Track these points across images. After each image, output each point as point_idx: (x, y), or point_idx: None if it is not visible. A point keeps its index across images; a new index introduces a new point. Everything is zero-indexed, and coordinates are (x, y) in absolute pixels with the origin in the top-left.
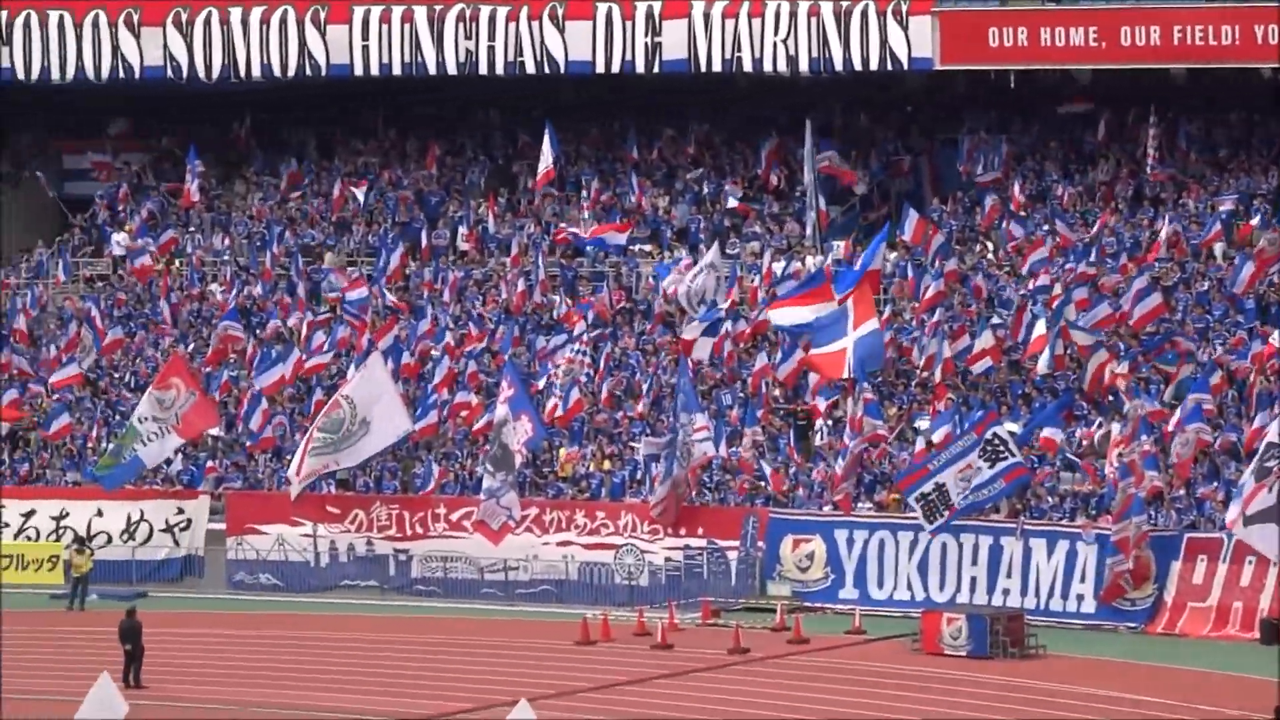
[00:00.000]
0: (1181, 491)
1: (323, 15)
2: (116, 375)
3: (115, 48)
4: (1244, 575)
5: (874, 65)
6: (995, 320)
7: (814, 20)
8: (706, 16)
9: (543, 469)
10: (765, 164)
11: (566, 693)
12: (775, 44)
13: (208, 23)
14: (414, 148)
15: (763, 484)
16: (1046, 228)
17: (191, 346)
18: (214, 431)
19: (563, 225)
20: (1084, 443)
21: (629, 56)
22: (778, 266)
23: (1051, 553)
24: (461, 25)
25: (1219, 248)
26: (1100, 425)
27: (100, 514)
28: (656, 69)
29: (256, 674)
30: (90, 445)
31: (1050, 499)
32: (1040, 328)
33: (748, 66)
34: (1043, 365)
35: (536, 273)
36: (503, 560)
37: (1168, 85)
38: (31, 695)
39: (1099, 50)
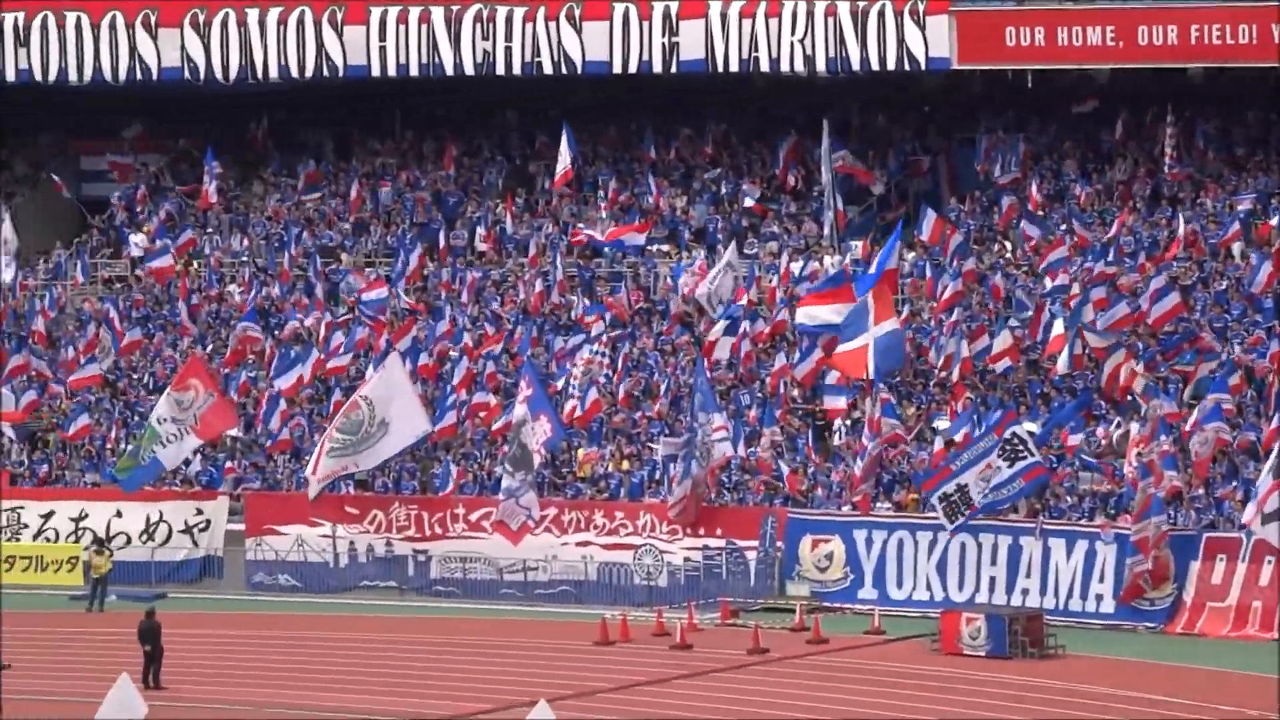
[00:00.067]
0: (1200, 491)
1: (340, 16)
2: (135, 376)
3: (133, 49)
4: (1263, 575)
5: (891, 65)
6: (1013, 320)
7: (831, 20)
8: (724, 16)
9: (561, 469)
10: (783, 164)
11: (585, 693)
12: (792, 44)
13: (225, 24)
14: (431, 148)
15: (780, 484)
16: (1064, 227)
17: (210, 347)
18: (233, 432)
19: (580, 226)
20: (1102, 443)
21: (646, 57)
22: (795, 266)
23: (1070, 552)
24: (479, 26)
25: (1237, 247)
26: (1119, 425)
27: (119, 515)
28: (674, 69)
29: (275, 675)
30: (109, 446)
31: (1069, 499)
32: (1058, 327)
33: (765, 66)
34: (1061, 365)
35: (554, 273)
36: (522, 561)
37: (1185, 84)
38: (51, 696)
39: (1116, 50)
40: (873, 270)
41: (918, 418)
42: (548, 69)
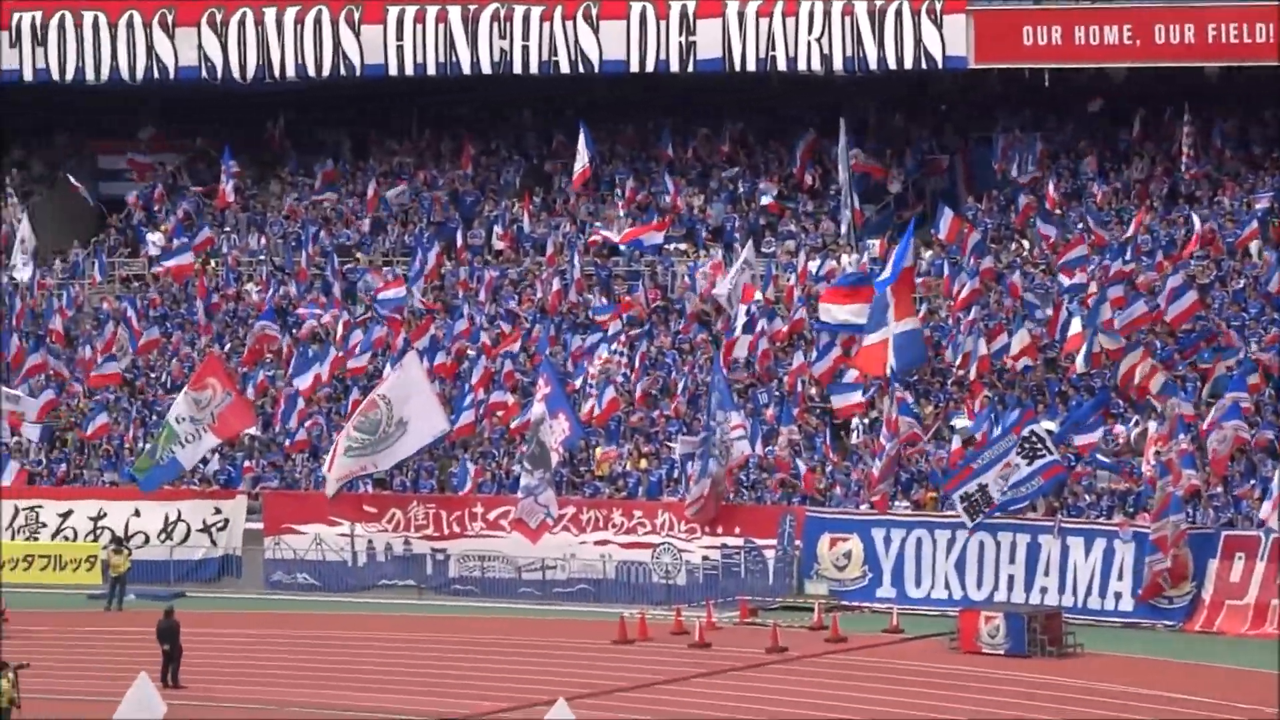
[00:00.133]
0: (1219, 489)
1: (357, 15)
2: (153, 375)
3: (150, 48)
4: None
5: (908, 64)
6: (1031, 319)
7: (848, 19)
8: (741, 15)
9: (579, 468)
10: (800, 163)
11: (604, 692)
12: (810, 43)
13: (242, 23)
14: (449, 147)
15: (797, 483)
16: (1081, 226)
17: (228, 346)
18: (251, 431)
19: (597, 226)
20: (1120, 442)
21: (663, 56)
22: (813, 265)
23: (1089, 551)
24: (495, 25)
25: (1255, 245)
26: (1137, 424)
27: (138, 514)
28: (691, 68)
29: (294, 674)
30: (127, 446)
31: (1088, 497)
32: (1076, 326)
33: (782, 65)
34: (1080, 363)
35: (572, 272)
36: (540, 559)
37: (1202, 83)
38: (70, 696)
39: (1133, 49)
40: (888, 274)
41: (935, 416)
42: (565, 68)
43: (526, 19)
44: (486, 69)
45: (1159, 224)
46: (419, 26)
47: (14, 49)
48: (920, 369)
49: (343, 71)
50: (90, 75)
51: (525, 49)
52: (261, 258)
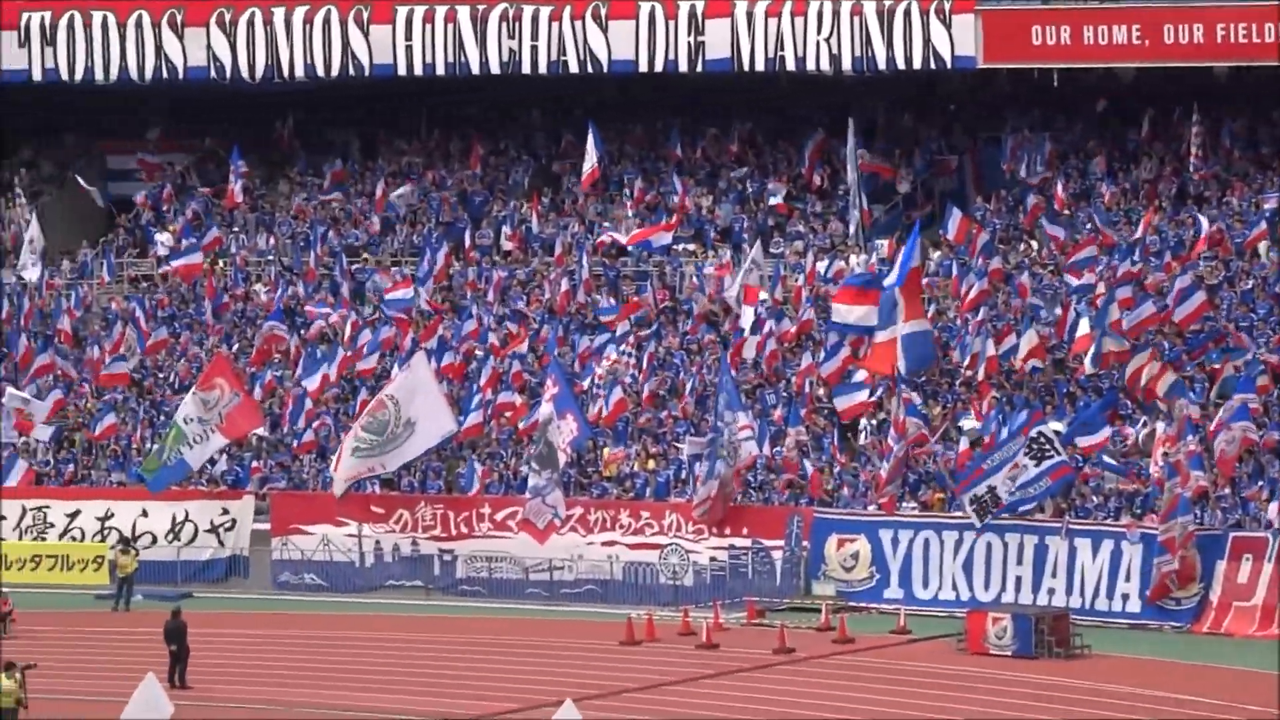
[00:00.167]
0: (1226, 491)
1: (366, 15)
2: (161, 375)
3: (159, 48)
4: None
5: (917, 64)
6: (1039, 319)
7: (857, 19)
8: (750, 15)
9: (587, 469)
10: (808, 163)
11: (611, 693)
12: (818, 43)
13: (251, 23)
14: (457, 148)
15: (804, 483)
16: (1089, 226)
17: (235, 347)
18: (259, 432)
19: (606, 226)
20: (1127, 442)
21: (672, 56)
22: (821, 266)
23: (1097, 552)
24: (504, 25)
25: (1263, 246)
26: (1145, 425)
27: (145, 514)
28: (700, 68)
29: (301, 674)
30: (135, 446)
31: (1095, 498)
32: (1084, 327)
33: (791, 65)
34: (1088, 364)
35: (580, 272)
36: (548, 560)
37: (1211, 84)
38: (77, 696)
39: (1142, 49)
40: (894, 276)
41: (943, 417)
42: (573, 68)
43: (535, 19)
44: (495, 69)
45: (1167, 224)
46: (428, 26)
47: (23, 49)
48: (929, 369)
49: (351, 71)
50: (99, 75)
51: (534, 49)
52: (270, 258)
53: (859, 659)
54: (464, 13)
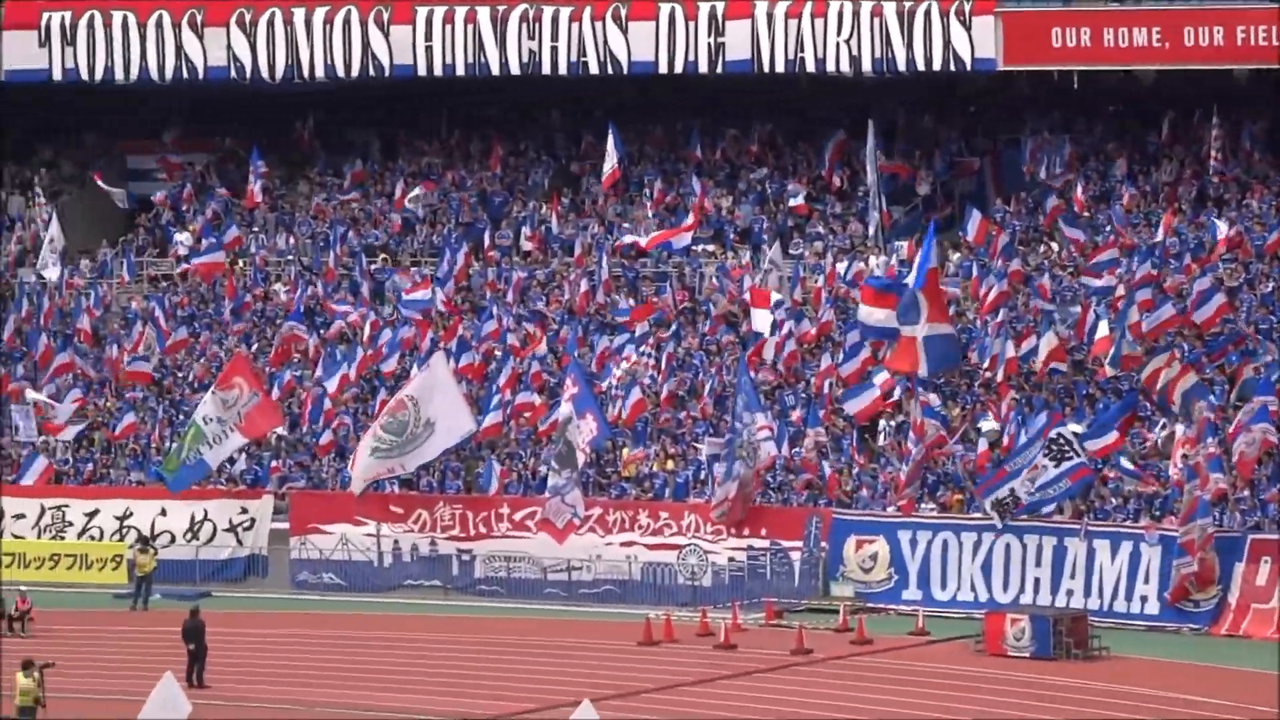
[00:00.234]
0: (1245, 493)
1: (386, 16)
2: (180, 375)
3: (179, 48)
4: None
5: (937, 66)
6: (1059, 321)
7: (877, 20)
8: (770, 16)
9: (606, 469)
10: (828, 164)
11: (629, 693)
12: (838, 44)
13: (271, 23)
14: (477, 148)
15: (822, 484)
16: (1109, 228)
17: (255, 346)
18: (278, 431)
19: (625, 227)
20: (1147, 444)
21: (692, 57)
22: (841, 267)
23: (1115, 554)
24: (524, 25)
25: None
26: (1164, 427)
27: (164, 513)
28: (719, 69)
29: (319, 674)
30: (154, 445)
31: (1114, 500)
32: (1104, 329)
33: (810, 67)
34: (1109, 367)
35: (600, 273)
36: (566, 560)
37: (1231, 86)
38: (95, 695)
39: (1162, 51)
40: (913, 278)
41: (962, 419)
42: (593, 69)
43: (555, 20)
44: (515, 70)
45: (1187, 227)
46: (448, 27)
47: (43, 49)
48: (950, 372)
49: (371, 72)
50: (119, 75)
51: (554, 50)
52: (289, 258)
53: (877, 660)
54: (484, 13)
